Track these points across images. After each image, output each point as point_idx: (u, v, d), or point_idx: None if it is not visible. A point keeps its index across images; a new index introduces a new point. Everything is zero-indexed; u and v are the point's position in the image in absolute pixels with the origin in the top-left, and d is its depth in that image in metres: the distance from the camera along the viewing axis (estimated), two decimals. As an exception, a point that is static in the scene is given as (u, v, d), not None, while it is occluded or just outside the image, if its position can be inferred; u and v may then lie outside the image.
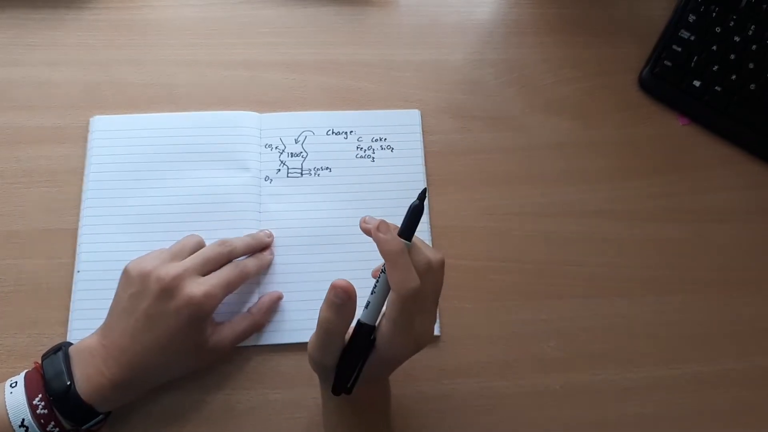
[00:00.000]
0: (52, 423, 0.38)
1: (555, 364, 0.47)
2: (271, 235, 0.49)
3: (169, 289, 0.40)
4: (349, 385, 0.36)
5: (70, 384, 0.38)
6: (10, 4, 0.55)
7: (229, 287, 0.43)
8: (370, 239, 0.36)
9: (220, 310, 0.44)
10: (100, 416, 0.40)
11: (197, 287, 0.41)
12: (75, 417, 0.39)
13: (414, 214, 0.35)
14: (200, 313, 0.41)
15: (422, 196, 0.35)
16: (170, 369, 0.42)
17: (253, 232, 0.48)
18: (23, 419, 0.37)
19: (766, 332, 0.49)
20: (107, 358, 0.39)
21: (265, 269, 0.48)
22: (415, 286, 0.33)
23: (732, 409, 0.47)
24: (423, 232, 0.50)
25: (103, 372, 0.39)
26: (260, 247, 0.48)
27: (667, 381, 0.47)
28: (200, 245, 0.45)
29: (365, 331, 0.35)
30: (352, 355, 0.35)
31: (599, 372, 0.47)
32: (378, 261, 0.36)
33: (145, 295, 0.40)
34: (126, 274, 0.42)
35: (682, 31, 0.56)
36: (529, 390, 0.47)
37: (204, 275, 0.42)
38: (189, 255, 0.43)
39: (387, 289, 0.34)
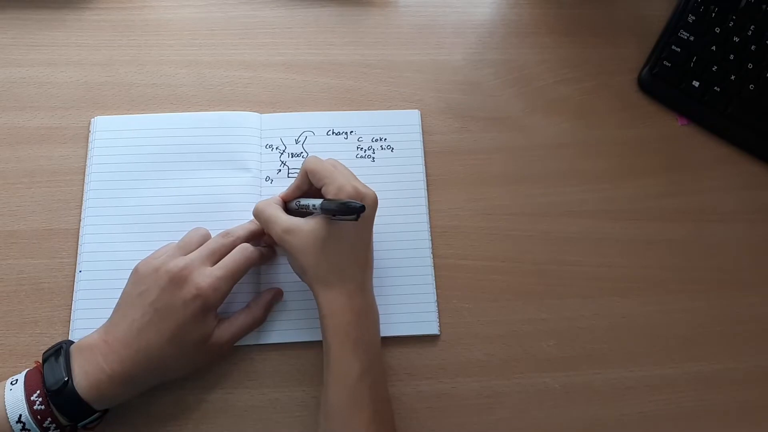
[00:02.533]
0: (49, 419, 0.38)
1: (554, 363, 0.48)
2: None
3: (177, 280, 0.41)
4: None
5: (68, 380, 0.38)
6: (11, 4, 0.55)
7: (236, 277, 0.43)
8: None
9: (218, 308, 0.44)
10: (97, 413, 0.40)
11: (205, 279, 0.41)
12: (71, 413, 0.39)
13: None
14: (208, 304, 0.41)
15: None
16: (172, 365, 0.42)
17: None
18: (20, 415, 0.38)
19: (766, 332, 0.49)
20: (108, 353, 0.40)
21: (269, 262, 0.48)
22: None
23: (732, 409, 0.47)
24: (423, 232, 0.50)
25: (103, 368, 0.39)
26: (264, 231, 0.48)
27: (667, 381, 0.48)
28: (206, 237, 0.45)
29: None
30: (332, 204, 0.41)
31: (599, 371, 0.48)
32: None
33: (154, 290, 0.41)
34: (136, 273, 0.43)
35: (682, 31, 0.56)
36: (528, 389, 0.47)
37: (211, 266, 0.43)
38: (196, 248, 0.44)
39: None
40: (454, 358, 0.47)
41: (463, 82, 0.56)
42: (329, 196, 0.42)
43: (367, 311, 0.43)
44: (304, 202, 0.45)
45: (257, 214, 0.45)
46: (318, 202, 0.42)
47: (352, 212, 0.39)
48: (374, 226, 0.48)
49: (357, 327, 0.41)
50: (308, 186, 0.45)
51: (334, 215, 0.40)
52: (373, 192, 0.43)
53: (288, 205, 0.47)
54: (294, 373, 0.46)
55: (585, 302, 0.49)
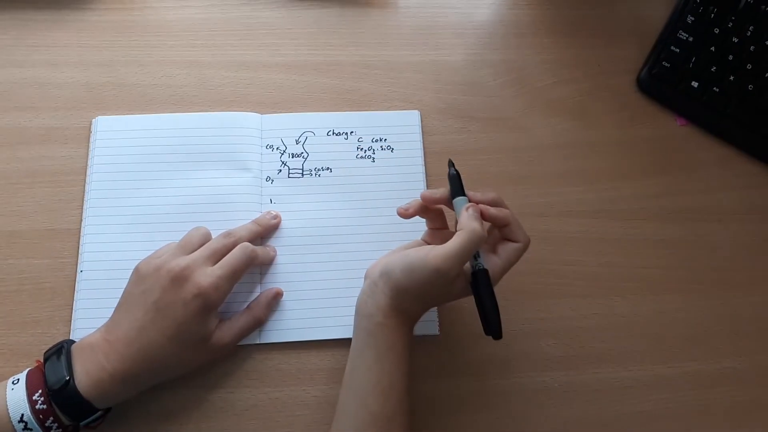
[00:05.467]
0: (51, 418, 0.38)
1: (554, 363, 0.48)
2: (277, 216, 0.49)
3: (179, 279, 0.41)
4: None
5: (69, 379, 0.39)
6: (12, 5, 0.55)
7: (236, 275, 0.44)
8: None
9: (219, 308, 0.44)
10: (99, 412, 0.40)
11: (206, 278, 0.42)
12: (73, 412, 0.39)
13: (453, 180, 0.43)
14: (209, 303, 0.41)
15: (451, 164, 0.44)
16: (173, 364, 0.42)
17: (258, 215, 0.49)
18: (22, 414, 0.38)
19: (764, 331, 0.50)
20: (109, 352, 0.40)
21: (269, 261, 0.48)
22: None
23: (731, 408, 0.47)
24: (423, 232, 0.50)
25: (104, 366, 0.39)
26: (266, 233, 0.49)
27: (666, 380, 0.48)
28: (207, 237, 0.46)
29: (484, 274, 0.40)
30: (486, 298, 0.39)
31: (598, 371, 0.48)
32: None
33: (155, 289, 0.41)
34: (137, 272, 0.43)
35: (681, 32, 0.56)
36: (528, 389, 0.47)
37: (212, 266, 0.43)
38: (197, 247, 0.44)
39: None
40: (454, 358, 0.47)
41: (462, 82, 0.56)
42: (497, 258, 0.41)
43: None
44: (480, 260, 0.41)
45: (478, 241, 0.39)
46: (483, 268, 0.40)
47: (492, 332, 0.39)
48: (374, 227, 0.48)
49: (407, 345, 0.42)
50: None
51: (481, 307, 0.40)
52: None
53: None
54: (295, 373, 0.46)
55: (584, 302, 0.49)
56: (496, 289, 0.40)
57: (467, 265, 0.41)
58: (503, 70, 0.57)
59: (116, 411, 0.43)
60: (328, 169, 0.52)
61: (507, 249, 0.42)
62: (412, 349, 0.41)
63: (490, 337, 0.48)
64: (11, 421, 0.38)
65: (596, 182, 0.53)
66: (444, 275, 0.39)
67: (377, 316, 0.40)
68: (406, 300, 0.41)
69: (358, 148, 0.52)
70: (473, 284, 0.40)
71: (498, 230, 0.43)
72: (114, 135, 0.51)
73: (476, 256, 0.40)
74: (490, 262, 0.41)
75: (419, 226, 0.50)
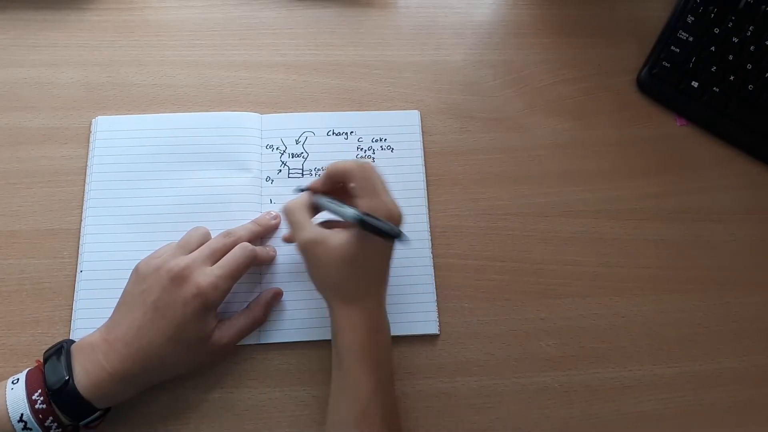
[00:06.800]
0: (50, 418, 0.38)
1: (554, 362, 0.48)
2: (277, 216, 0.49)
3: (178, 279, 0.41)
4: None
5: (69, 378, 0.39)
6: (12, 5, 0.55)
7: (235, 275, 0.44)
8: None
9: (219, 308, 0.44)
10: (99, 412, 0.40)
11: (205, 278, 0.42)
12: (73, 412, 0.39)
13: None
14: (208, 303, 0.41)
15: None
16: (172, 364, 0.42)
17: (257, 215, 0.49)
18: (22, 414, 0.38)
19: (764, 331, 0.50)
20: (109, 352, 0.40)
21: (269, 261, 0.48)
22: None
23: (730, 408, 0.47)
24: (422, 232, 0.50)
25: (104, 366, 0.39)
26: (266, 233, 0.49)
27: (666, 379, 0.48)
28: (206, 237, 0.46)
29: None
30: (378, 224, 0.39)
31: (598, 371, 0.48)
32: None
33: (155, 289, 0.41)
34: (137, 272, 0.43)
35: (681, 32, 0.56)
36: (527, 389, 0.47)
37: (212, 265, 0.43)
38: (196, 247, 0.44)
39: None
40: (454, 357, 0.47)
41: (462, 82, 0.56)
42: (364, 209, 0.40)
43: (381, 328, 0.43)
44: (336, 207, 0.42)
45: (286, 213, 0.44)
46: (352, 212, 0.40)
47: (394, 237, 0.38)
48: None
49: (372, 344, 0.41)
50: (337, 184, 0.44)
51: (371, 231, 0.39)
52: (400, 210, 0.42)
53: (316, 199, 0.44)
54: (294, 373, 0.46)
55: (584, 302, 0.49)
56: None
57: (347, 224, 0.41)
58: (503, 70, 0.57)
59: (116, 410, 0.43)
60: (328, 169, 0.52)
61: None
62: (396, 347, 0.42)
63: (489, 336, 0.48)
64: (11, 421, 0.38)
65: (596, 182, 0.53)
66: (308, 241, 0.41)
67: (331, 321, 0.42)
68: (333, 290, 0.42)
69: (358, 148, 0.53)
70: (365, 227, 0.39)
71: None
72: (114, 135, 0.51)
73: (342, 214, 0.41)
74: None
75: (421, 225, 0.50)
